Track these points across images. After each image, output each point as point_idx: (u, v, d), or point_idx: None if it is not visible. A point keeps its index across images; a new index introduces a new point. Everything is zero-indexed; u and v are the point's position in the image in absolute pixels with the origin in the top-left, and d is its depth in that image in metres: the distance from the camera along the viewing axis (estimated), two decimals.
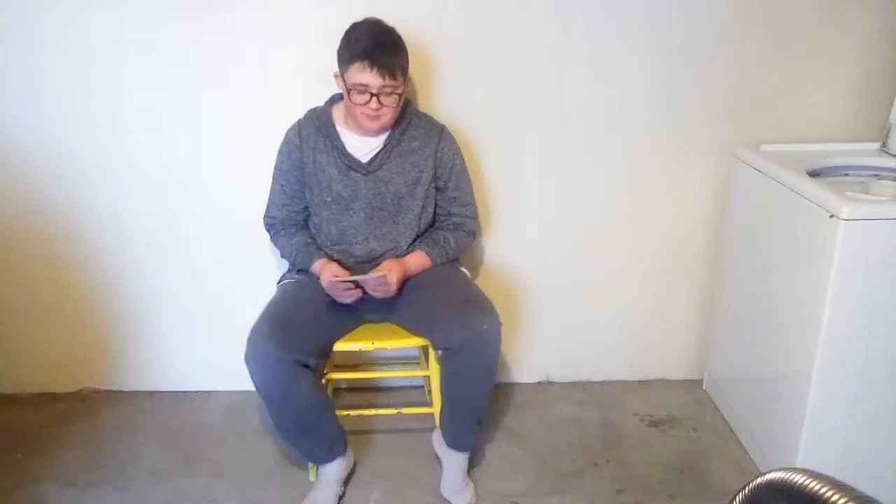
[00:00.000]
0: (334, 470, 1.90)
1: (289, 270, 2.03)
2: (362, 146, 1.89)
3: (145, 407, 2.36)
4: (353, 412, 2.20)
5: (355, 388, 2.45)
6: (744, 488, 0.76)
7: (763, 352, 2.00)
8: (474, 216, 2.03)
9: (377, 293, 1.82)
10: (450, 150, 1.94)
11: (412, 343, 1.92)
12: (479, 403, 1.86)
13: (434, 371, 1.92)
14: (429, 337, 1.86)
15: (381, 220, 1.91)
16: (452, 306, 1.80)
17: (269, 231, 2.01)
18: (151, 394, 2.42)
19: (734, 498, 0.77)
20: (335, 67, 1.82)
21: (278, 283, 2.03)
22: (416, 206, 1.92)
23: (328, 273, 1.82)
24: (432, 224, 2.00)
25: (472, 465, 2.01)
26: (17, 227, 2.23)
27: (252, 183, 2.09)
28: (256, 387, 1.75)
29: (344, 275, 1.83)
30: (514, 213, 2.27)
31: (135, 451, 2.14)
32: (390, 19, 1.85)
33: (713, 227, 2.29)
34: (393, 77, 1.75)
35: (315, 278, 1.89)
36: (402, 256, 1.92)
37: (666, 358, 2.48)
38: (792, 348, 1.83)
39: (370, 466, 2.06)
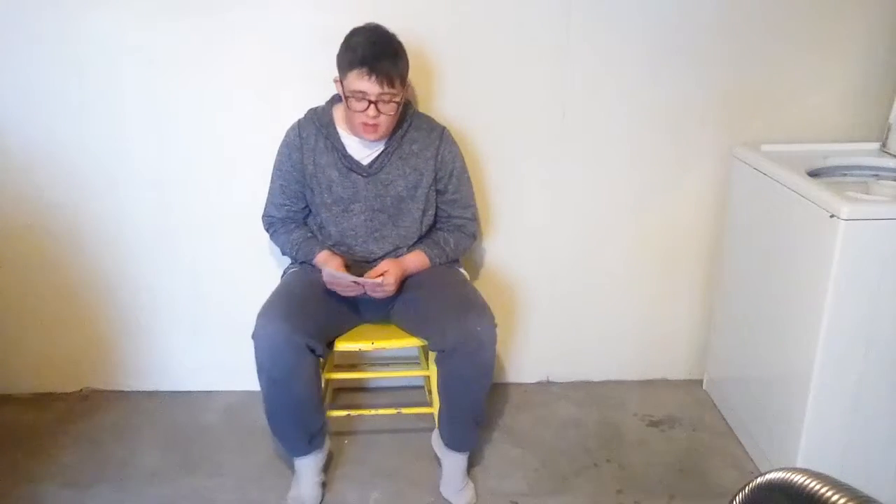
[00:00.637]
0: (311, 462, 1.90)
1: (292, 263, 2.03)
2: (363, 148, 1.88)
3: (145, 407, 2.36)
4: (353, 412, 2.20)
5: (355, 388, 2.45)
6: (744, 488, 0.76)
7: (763, 352, 2.00)
8: (475, 218, 2.03)
9: (376, 294, 1.83)
10: (450, 153, 1.94)
11: (411, 343, 1.93)
12: (475, 404, 1.86)
13: (434, 371, 1.92)
14: (425, 338, 1.86)
15: (381, 223, 1.91)
16: (447, 308, 1.80)
17: (267, 230, 2.02)
18: (151, 394, 2.42)
19: (734, 498, 0.77)
20: (335, 70, 1.82)
21: (283, 273, 2.04)
22: (417, 210, 1.92)
23: (328, 269, 1.82)
24: (433, 226, 2.00)
25: (471, 465, 2.01)
26: (17, 227, 2.23)
27: (252, 183, 2.09)
28: (261, 366, 1.75)
29: (343, 273, 1.83)
30: (514, 213, 2.27)
31: (135, 451, 2.14)
32: (390, 20, 1.85)
33: (713, 227, 2.29)
34: (391, 85, 1.74)
35: (318, 270, 1.89)
36: (397, 257, 1.92)
37: (666, 358, 2.48)
38: (792, 348, 1.83)
39: (370, 466, 2.06)
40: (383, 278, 1.81)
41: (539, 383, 2.49)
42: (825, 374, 1.72)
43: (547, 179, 2.24)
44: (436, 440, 2.00)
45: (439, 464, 1.98)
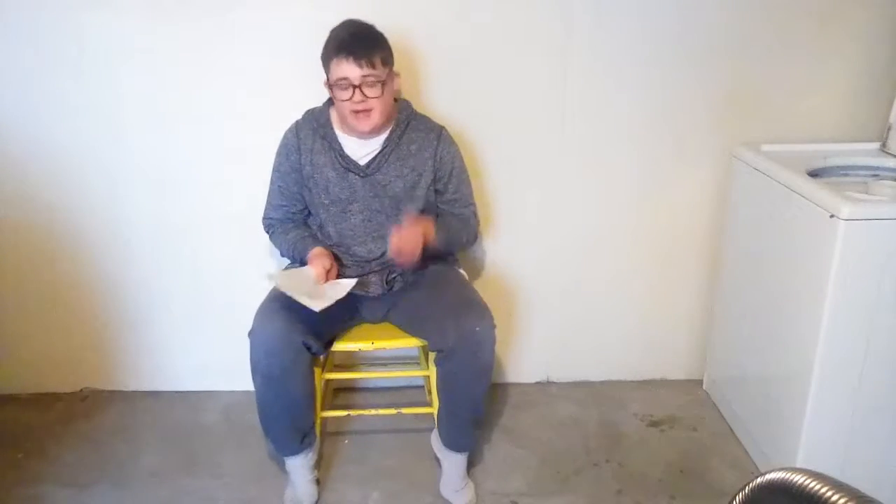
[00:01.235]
0: (303, 461, 1.90)
1: (290, 263, 2.03)
2: (360, 148, 1.88)
3: (145, 407, 2.36)
4: (353, 412, 2.20)
5: (355, 388, 2.45)
6: (744, 488, 0.76)
7: (763, 352, 2.00)
8: (475, 215, 2.03)
9: (401, 259, 1.79)
10: (449, 153, 1.93)
11: (411, 343, 1.93)
12: (474, 404, 1.85)
13: (433, 371, 1.92)
14: (425, 338, 1.86)
15: (379, 223, 1.90)
16: (446, 308, 1.80)
17: (267, 232, 2.01)
18: (151, 394, 2.42)
19: (734, 498, 0.77)
20: None
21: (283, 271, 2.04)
22: (416, 210, 1.92)
23: (317, 264, 1.82)
24: None
25: (471, 465, 2.01)
26: (17, 228, 2.23)
27: (252, 183, 2.08)
28: (256, 365, 1.75)
29: (333, 269, 1.84)
30: (514, 213, 2.27)
31: (135, 451, 2.14)
32: (389, 19, 1.85)
33: (713, 227, 2.29)
34: (371, 66, 1.73)
35: None
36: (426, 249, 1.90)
37: (666, 358, 2.48)
38: (792, 348, 1.83)
39: (370, 466, 2.07)
40: (392, 248, 1.77)
41: (539, 383, 2.49)
42: (825, 374, 1.72)
43: (547, 179, 2.24)
44: (435, 440, 2.00)
45: (439, 464, 1.98)
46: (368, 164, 1.88)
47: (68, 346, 2.38)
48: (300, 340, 1.74)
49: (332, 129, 1.89)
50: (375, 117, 1.80)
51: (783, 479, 0.70)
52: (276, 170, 1.95)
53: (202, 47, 2.06)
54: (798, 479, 0.68)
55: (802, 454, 1.80)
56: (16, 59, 2.06)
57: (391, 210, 1.90)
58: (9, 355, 2.37)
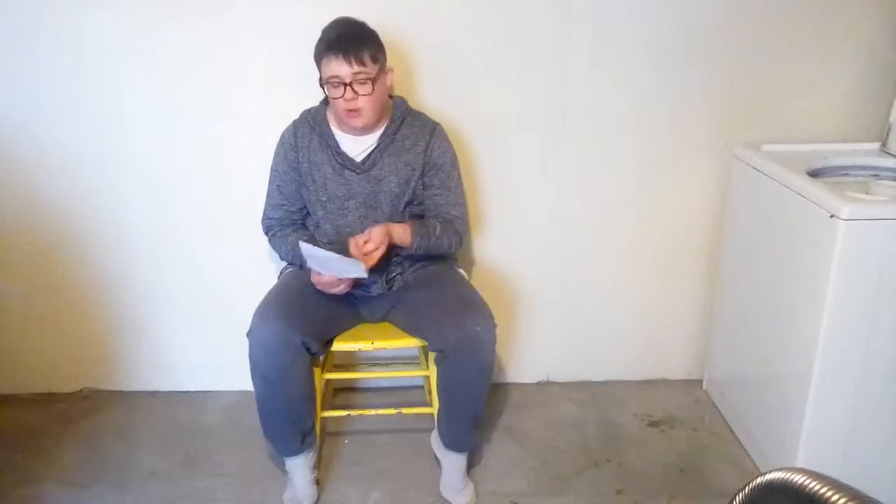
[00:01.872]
0: (303, 462, 1.90)
1: (289, 263, 2.03)
2: (356, 145, 1.88)
3: (145, 407, 2.36)
4: (353, 412, 2.20)
5: (355, 388, 2.45)
6: (744, 488, 0.76)
7: (763, 352, 2.00)
8: (463, 218, 1.99)
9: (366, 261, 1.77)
10: (440, 148, 1.92)
11: (411, 343, 1.93)
12: (475, 404, 1.85)
13: (433, 371, 1.92)
14: (425, 338, 1.86)
15: (375, 220, 1.89)
16: (446, 308, 1.80)
17: (266, 233, 2.01)
18: (151, 394, 2.42)
19: (734, 498, 0.77)
20: None
21: (279, 273, 2.05)
22: (405, 203, 1.92)
23: (306, 247, 1.80)
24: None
25: (471, 465, 2.01)
26: (17, 227, 2.23)
27: (251, 183, 2.08)
28: (255, 365, 1.75)
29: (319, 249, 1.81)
30: (514, 213, 2.27)
31: (135, 451, 2.14)
32: (388, 18, 1.86)
33: (713, 227, 2.29)
34: (361, 63, 1.74)
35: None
36: (397, 255, 1.91)
37: (666, 358, 2.48)
38: (792, 348, 1.83)
39: (370, 466, 2.07)
40: (366, 244, 1.76)
41: (539, 383, 2.49)
42: (825, 374, 1.72)
43: (547, 179, 2.24)
44: (435, 441, 2.00)
45: (439, 464, 1.98)
46: (364, 161, 1.88)
47: (68, 346, 2.38)
48: (299, 340, 1.74)
49: (328, 126, 1.89)
50: (368, 114, 1.81)
51: (783, 479, 0.70)
52: (274, 169, 1.96)
53: (202, 47, 2.06)
54: (798, 479, 0.68)
55: (802, 454, 1.80)
56: (16, 59, 2.06)
57: (388, 206, 1.89)
58: (9, 355, 2.37)
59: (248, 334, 1.75)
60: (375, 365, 2.42)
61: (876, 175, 2.01)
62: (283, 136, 1.94)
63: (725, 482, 2.00)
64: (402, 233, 1.85)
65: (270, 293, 1.88)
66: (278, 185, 1.95)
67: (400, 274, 1.94)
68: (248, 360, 1.76)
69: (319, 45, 1.78)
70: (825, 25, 2.11)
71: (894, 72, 2.15)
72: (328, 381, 2.23)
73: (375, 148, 1.88)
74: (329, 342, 1.90)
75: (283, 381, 1.77)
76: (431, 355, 1.88)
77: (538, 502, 1.94)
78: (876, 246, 1.63)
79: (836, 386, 1.74)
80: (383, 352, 2.24)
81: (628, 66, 2.12)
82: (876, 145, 2.11)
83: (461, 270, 2.05)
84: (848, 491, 0.64)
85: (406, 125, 1.91)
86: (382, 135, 1.88)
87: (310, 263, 1.78)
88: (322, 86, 1.81)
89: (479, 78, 2.12)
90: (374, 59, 1.77)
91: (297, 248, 1.90)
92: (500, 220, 2.28)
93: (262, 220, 2.01)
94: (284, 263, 2.05)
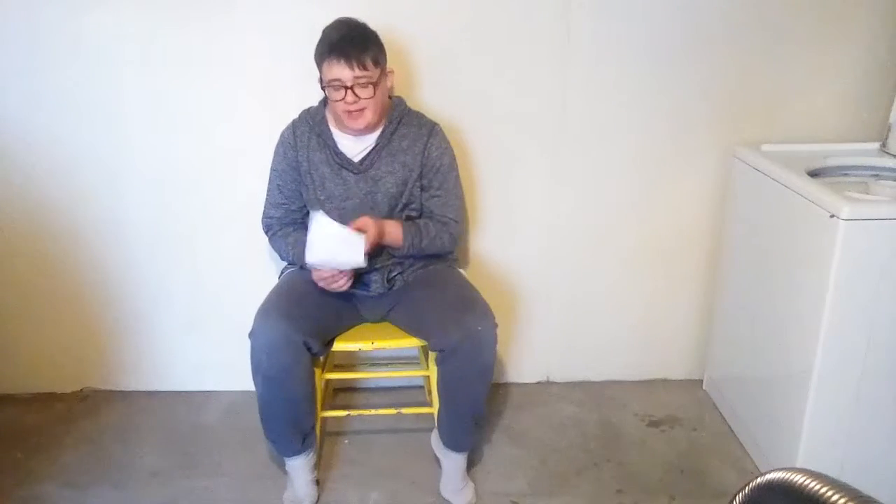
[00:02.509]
0: (304, 462, 1.91)
1: (290, 263, 2.03)
2: (354, 145, 1.88)
3: (145, 407, 2.36)
4: (353, 412, 2.21)
5: (355, 388, 2.45)
6: (744, 488, 0.76)
7: (763, 352, 2.00)
8: (459, 220, 1.98)
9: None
10: (438, 149, 1.92)
11: (411, 343, 1.93)
12: (475, 404, 1.85)
13: (434, 371, 1.92)
14: (425, 338, 1.86)
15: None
16: (447, 307, 1.80)
17: (266, 233, 2.01)
18: (151, 394, 2.42)
19: (734, 498, 0.77)
20: None
21: (280, 274, 2.05)
22: (401, 204, 1.91)
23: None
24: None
25: (471, 465, 2.01)
26: (17, 227, 2.23)
27: (252, 183, 2.08)
28: (257, 365, 1.75)
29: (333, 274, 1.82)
30: (514, 213, 2.27)
31: (135, 451, 2.14)
32: (388, 18, 1.85)
33: (713, 227, 2.29)
34: (363, 67, 1.74)
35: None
36: (397, 253, 1.91)
37: (666, 358, 2.48)
38: (792, 348, 1.83)
39: (370, 466, 2.07)
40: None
41: (539, 383, 2.49)
42: (825, 374, 1.72)
43: (547, 179, 2.24)
44: (435, 440, 2.00)
45: (439, 464, 1.98)
46: (362, 161, 1.88)
47: (68, 346, 2.38)
48: (301, 340, 1.74)
49: (327, 126, 1.89)
50: (369, 116, 1.81)
51: (783, 479, 0.70)
52: (273, 168, 1.96)
53: (202, 48, 2.06)
54: (798, 479, 0.68)
55: (802, 454, 1.80)
56: (16, 59, 2.06)
57: (385, 207, 1.89)
58: (9, 355, 2.37)
59: (250, 334, 1.75)
60: (375, 365, 2.42)
61: (876, 175, 2.01)
62: (282, 136, 1.94)
63: (725, 482, 2.00)
64: (394, 230, 1.84)
65: (272, 293, 1.88)
66: (278, 185, 1.95)
67: (400, 274, 1.94)
68: (248, 360, 1.76)
69: (320, 48, 1.77)
70: (825, 26, 2.11)
71: (894, 72, 2.15)
72: (328, 381, 2.23)
73: (373, 148, 1.88)
74: (330, 342, 1.90)
75: (285, 382, 1.77)
76: (431, 355, 1.88)
77: (538, 502, 1.94)
78: (876, 246, 1.63)
79: (836, 386, 1.74)
80: (383, 352, 2.24)
81: (628, 67, 2.12)
82: (876, 145, 2.11)
83: (461, 270, 2.05)
84: (848, 491, 0.64)
85: (404, 125, 1.91)
86: (381, 135, 1.88)
87: (308, 259, 1.77)
88: (322, 87, 1.81)
89: (479, 78, 2.12)
90: (376, 63, 1.77)
91: (297, 247, 1.91)
92: (500, 220, 2.28)
93: (262, 219, 2.01)
94: (285, 263, 2.05)
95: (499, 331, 1.78)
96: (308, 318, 1.78)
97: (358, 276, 1.89)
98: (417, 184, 1.91)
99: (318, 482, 1.96)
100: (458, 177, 1.98)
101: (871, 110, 2.18)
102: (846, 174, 2.03)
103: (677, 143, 2.21)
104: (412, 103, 1.99)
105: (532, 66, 2.11)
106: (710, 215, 2.29)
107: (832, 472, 0.67)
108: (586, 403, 2.37)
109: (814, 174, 1.91)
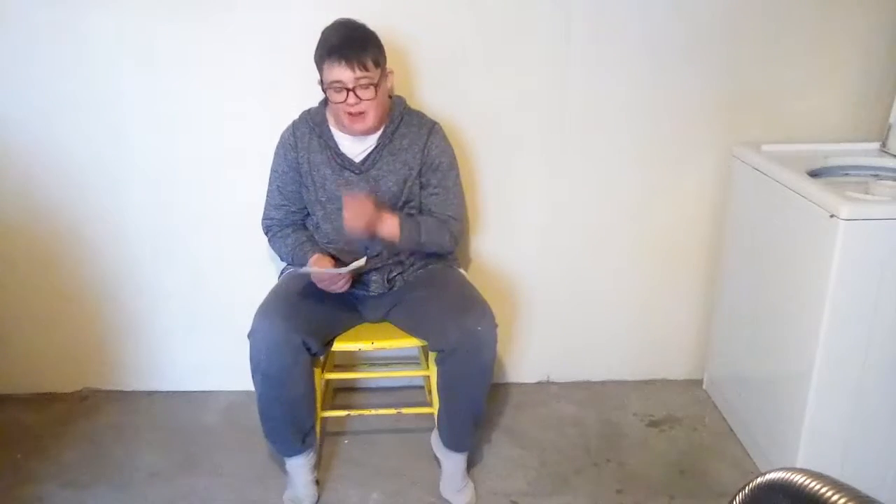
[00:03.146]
0: (304, 462, 1.91)
1: (290, 264, 2.03)
2: (355, 146, 1.88)
3: (145, 407, 2.36)
4: (353, 412, 2.21)
5: (355, 388, 2.45)
6: (744, 488, 0.76)
7: (763, 352, 2.00)
8: (459, 219, 1.98)
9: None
10: (437, 147, 1.92)
11: (411, 343, 1.93)
12: (475, 404, 1.85)
13: (434, 371, 1.92)
14: (425, 338, 1.86)
15: None
16: (447, 308, 1.80)
17: (266, 233, 2.01)
18: (151, 394, 2.42)
19: (734, 498, 0.77)
20: None
21: (280, 274, 2.05)
22: (401, 203, 1.91)
23: (309, 267, 1.82)
24: None
25: (471, 464, 2.01)
26: (17, 227, 2.23)
27: (251, 183, 2.09)
28: (256, 365, 1.75)
29: (329, 265, 1.83)
30: (514, 212, 2.27)
31: (135, 451, 2.14)
32: (388, 18, 1.85)
33: (713, 227, 2.29)
34: (364, 68, 1.73)
35: None
36: (397, 254, 1.91)
37: (666, 358, 2.48)
38: (792, 348, 1.83)
39: (370, 466, 2.06)
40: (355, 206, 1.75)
41: (539, 383, 2.49)
42: (825, 374, 1.72)
43: (547, 179, 2.24)
44: (435, 440, 2.00)
45: (439, 464, 1.98)
46: (363, 161, 1.88)
47: (68, 346, 2.38)
48: (300, 340, 1.74)
49: (327, 127, 1.89)
50: (370, 118, 1.81)
51: (783, 479, 0.70)
52: (273, 169, 1.96)
53: (202, 47, 2.07)
54: (798, 479, 0.68)
55: (802, 454, 1.80)
56: (16, 59, 2.06)
57: (386, 205, 1.89)
58: (9, 355, 2.37)
59: (250, 335, 1.75)
60: (375, 365, 2.42)
61: (876, 175, 2.00)
62: (282, 137, 1.94)
63: (725, 482, 2.00)
64: (391, 220, 1.82)
65: (271, 293, 1.88)
66: (278, 186, 1.95)
67: (400, 274, 1.94)
68: (247, 361, 1.76)
69: (321, 49, 1.76)
70: (825, 26, 2.11)
71: (894, 72, 2.15)
72: (328, 381, 2.23)
73: (374, 148, 1.88)
74: (330, 342, 1.90)
75: (284, 382, 1.77)
76: (431, 355, 1.88)
77: (538, 502, 1.94)
78: (876, 246, 1.63)
79: (836, 386, 1.74)
80: (383, 352, 2.24)
81: (628, 66, 2.12)
82: (876, 145, 2.11)
83: (461, 270, 2.05)
84: (848, 491, 0.64)
85: (404, 124, 1.91)
86: (382, 135, 1.88)
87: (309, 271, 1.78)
88: (323, 89, 1.81)
89: (479, 78, 2.12)
90: (377, 64, 1.77)
91: (296, 249, 1.91)
92: (500, 220, 2.28)
93: (263, 220, 2.01)
94: (284, 264, 2.05)
95: (499, 331, 1.78)
96: (307, 319, 1.78)
97: (358, 276, 1.89)
98: (417, 182, 1.91)
99: (318, 482, 1.96)
100: (458, 175, 1.97)
101: (871, 110, 2.18)
102: (846, 174, 2.03)
103: (677, 143, 2.21)
104: (413, 103, 2.00)
105: (532, 66, 2.11)
106: (710, 215, 2.29)
107: (832, 472, 0.67)
108: (586, 403, 2.37)
109: (814, 174, 1.90)
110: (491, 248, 2.31)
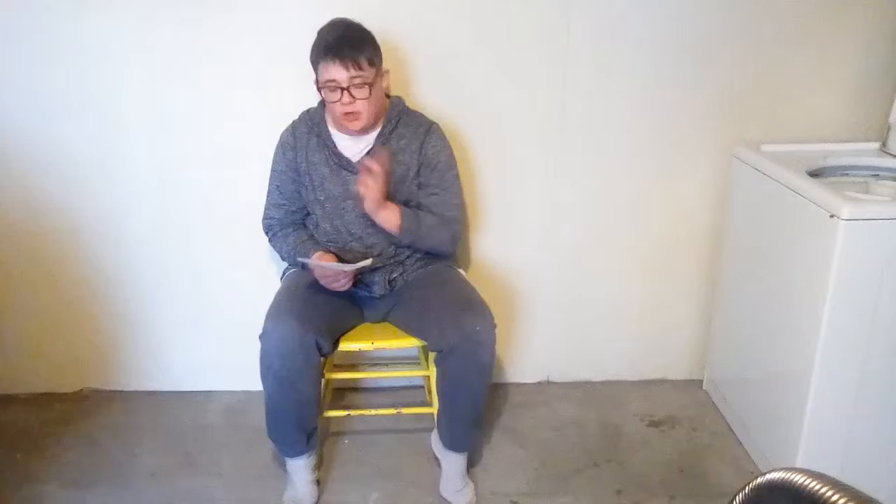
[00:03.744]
0: (306, 463, 1.90)
1: (291, 264, 2.03)
2: (353, 145, 1.89)
3: (145, 407, 2.36)
4: (353, 412, 2.21)
5: (355, 388, 2.45)
6: (744, 488, 0.76)
7: (763, 352, 2.00)
8: (459, 218, 1.98)
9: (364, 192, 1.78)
10: (434, 147, 1.92)
11: (411, 343, 1.93)
12: (474, 404, 1.85)
13: (433, 371, 1.92)
14: (424, 338, 1.86)
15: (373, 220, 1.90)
16: (446, 308, 1.80)
17: (266, 233, 2.01)
18: (151, 394, 2.42)
19: (734, 498, 0.77)
20: None
21: (282, 276, 2.05)
22: (401, 203, 1.92)
23: (313, 261, 1.82)
24: None
25: (471, 465, 2.01)
26: (18, 227, 2.23)
27: (252, 183, 2.09)
28: (268, 367, 1.74)
29: (328, 263, 1.83)
30: (514, 212, 2.27)
31: (135, 451, 2.14)
32: (387, 19, 1.85)
33: (713, 227, 2.29)
34: (358, 67, 1.74)
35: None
36: (397, 254, 1.91)
37: (666, 358, 2.48)
38: (792, 348, 1.83)
39: (370, 466, 2.07)
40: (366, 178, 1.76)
41: (539, 383, 2.49)
42: (825, 374, 1.72)
43: (546, 179, 2.24)
44: (435, 441, 2.00)
45: (439, 464, 1.98)
46: (361, 161, 1.88)
47: (68, 346, 2.38)
48: (313, 340, 1.73)
49: (326, 127, 1.89)
50: (365, 117, 1.81)
51: (783, 479, 0.70)
52: (273, 169, 1.96)
53: (202, 48, 2.07)
54: (798, 479, 0.68)
55: (802, 454, 1.80)
56: (16, 59, 2.06)
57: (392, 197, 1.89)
58: (9, 355, 2.37)
59: (262, 336, 1.74)
60: (376, 365, 2.42)
61: (876, 175, 2.01)
62: (282, 137, 1.95)
63: (725, 482, 2.00)
64: (393, 208, 1.83)
65: (280, 294, 1.88)
66: (278, 185, 1.95)
67: (401, 274, 1.94)
68: (248, 361, 1.76)
69: (316, 49, 1.77)
70: (825, 26, 2.11)
71: (894, 72, 2.15)
72: (328, 380, 2.23)
73: (372, 148, 1.88)
74: (336, 342, 1.89)
75: (296, 383, 1.76)
76: (431, 355, 1.88)
77: (538, 502, 1.94)
78: (876, 246, 1.63)
79: (836, 386, 1.74)
80: (383, 352, 2.24)
81: (628, 67, 2.12)
82: (876, 145, 2.11)
83: (461, 270, 2.05)
84: (848, 491, 0.64)
85: (402, 125, 1.91)
86: (379, 135, 1.88)
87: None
88: (318, 88, 1.81)
89: (478, 78, 2.12)
90: (371, 63, 1.77)
91: (297, 248, 1.91)
92: (499, 220, 2.28)
93: (263, 219, 2.01)
94: (286, 264, 2.05)
95: (499, 331, 1.78)
96: (319, 318, 1.77)
97: (360, 277, 1.89)
98: (415, 181, 1.91)
99: (318, 482, 1.96)
100: (457, 175, 1.97)
101: (871, 110, 2.18)
102: (846, 174, 2.03)
103: (677, 143, 2.21)
104: (412, 103, 2.00)
105: (532, 66, 2.11)
106: (710, 215, 2.29)
107: (832, 472, 0.67)
108: (586, 403, 2.37)
109: (814, 174, 1.91)
110: (491, 248, 2.31)
